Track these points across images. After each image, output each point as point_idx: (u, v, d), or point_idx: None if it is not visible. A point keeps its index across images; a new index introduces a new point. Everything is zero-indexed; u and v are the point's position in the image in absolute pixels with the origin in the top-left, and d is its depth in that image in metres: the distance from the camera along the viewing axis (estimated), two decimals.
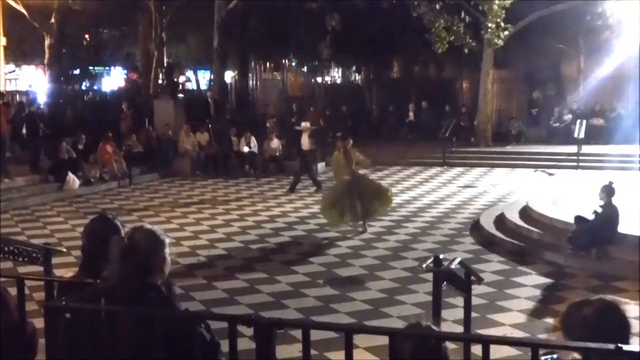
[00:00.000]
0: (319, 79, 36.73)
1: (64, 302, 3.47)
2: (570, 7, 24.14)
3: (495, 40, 23.54)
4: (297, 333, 3.22)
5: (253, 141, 22.60)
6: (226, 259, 11.82)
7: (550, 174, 21.42)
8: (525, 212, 13.66)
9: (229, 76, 36.16)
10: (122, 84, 43.13)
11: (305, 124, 20.13)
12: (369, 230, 13.81)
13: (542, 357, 3.03)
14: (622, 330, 2.90)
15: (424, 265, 6.95)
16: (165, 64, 30.14)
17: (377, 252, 12.13)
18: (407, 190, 18.86)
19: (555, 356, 3.05)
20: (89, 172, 19.33)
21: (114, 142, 20.72)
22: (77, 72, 41.91)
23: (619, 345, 2.59)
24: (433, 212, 15.67)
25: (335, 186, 14.61)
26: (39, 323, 3.60)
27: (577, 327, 2.93)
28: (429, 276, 7.09)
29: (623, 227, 10.95)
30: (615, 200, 10.98)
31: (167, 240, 3.66)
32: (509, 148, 25.18)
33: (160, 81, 28.42)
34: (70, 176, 18.45)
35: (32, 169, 18.94)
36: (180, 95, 28.89)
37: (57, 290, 4.33)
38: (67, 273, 4.56)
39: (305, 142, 19.32)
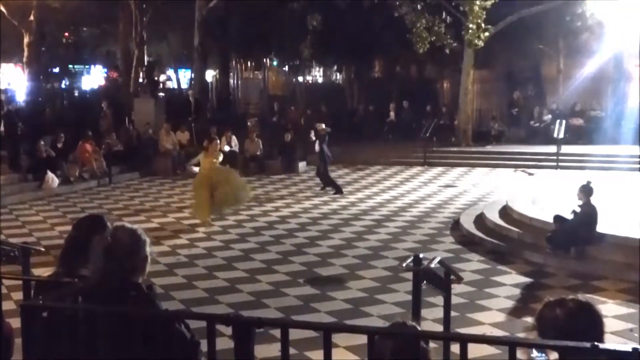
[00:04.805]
0: (300, 79, 36.74)
1: (41, 301, 3.44)
2: (550, 9, 24.31)
3: (476, 41, 23.64)
4: (277, 332, 3.22)
5: (234, 140, 22.55)
6: (206, 258, 11.78)
7: (530, 174, 21.54)
8: (505, 212, 13.73)
9: (210, 75, 36.05)
10: (102, 82, 42.86)
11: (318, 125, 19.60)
12: (349, 229, 13.85)
13: (533, 355, 3.05)
14: (594, 331, 2.91)
15: (404, 265, 6.97)
16: (145, 63, 29.97)
17: (357, 251, 12.14)
18: (388, 189, 18.89)
19: (544, 355, 3.06)
20: (68, 171, 19.20)
21: (93, 140, 20.61)
22: (56, 70, 41.60)
23: (596, 343, 2.61)
24: (413, 212, 15.71)
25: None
26: (17, 323, 3.57)
27: (550, 328, 2.95)
28: (409, 275, 7.10)
29: (601, 227, 11.03)
30: (593, 200, 11.07)
31: (148, 240, 3.67)
32: (489, 148, 25.31)
33: (140, 80, 28.24)
34: (49, 175, 18.32)
35: (11, 168, 18.78)
36: (161, 94, 28.80)
37: (34, 289, 4.30)
38: (46, 273, 4.51)
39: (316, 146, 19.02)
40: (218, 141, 16.48)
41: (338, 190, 18.00)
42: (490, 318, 8.72)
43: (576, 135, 24.93)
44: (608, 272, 10.52)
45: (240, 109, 33.51)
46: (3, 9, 26.92)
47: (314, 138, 19.19)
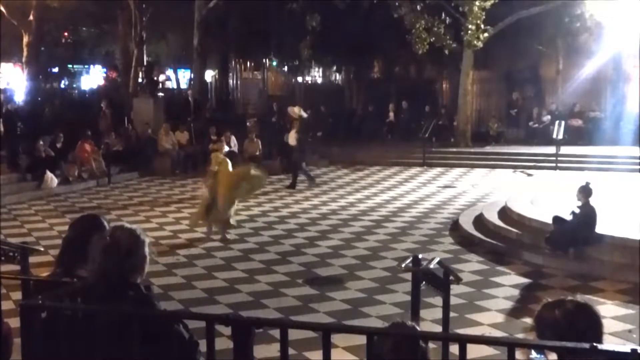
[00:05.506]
0: (300, 79, 36.71)
1: (40, 301, 3.44)
2: (549, 9, 24.32)
3: (475, 42, 23.66)
4: (276, 332, 3.22)
5: (233, 140, 22.54)
6: (205, 258, 11.78)
7: (529, 175, 21.55)
8: (504, 213, 13.73)
9: (209, 75, 36.01)
10: (102, 82, 42.81)
11: (294, 108, 20.21)
12: (348, 230, 13.85)
13: (532, 356, 3.05)
14: (593, 332, 2.92)
15: (403, 265, 6.96)
16: (145, 63, 29.94)
17: (356, 252, 12.14)
18: (387, 190, 18.90)
19: (542, 356, 3.07)
20: (67, 170, 19.20)
21: (92, 140, 20.60)
22: (55, 70, 41.56)
23: (594, 344, 2.61)
24: (413, 212, 15.71)
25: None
26: (16, 323, 3.57)
27: (549, 329, 2.95)
28: (409, 276, 7.10)
29: (600, 228, 11.03)
30: (592, 201, 11.07)
31: (147, 240, 3.66)
32: (488, 148, 25.32)
33: (140, 80, 28.23)
34: (48, 175, 18.32)
35: (10, 167, 18.78)
36: (160, 94, 28.77)
37: (33, 289, 4.29)
38: (45, 273, 4.51)
39: (292, 137, 19.43)
40: (223, 144, 16.21)
41: (292, 185, 18.75)
42: (489, 319, 8.72)
43: (575, 136, 24.95)
44: (607, 273, 10.53)
45: (239, 109, 33.49)
46: (2, 9, 26.90)
47: (294, 134, 19.36)
